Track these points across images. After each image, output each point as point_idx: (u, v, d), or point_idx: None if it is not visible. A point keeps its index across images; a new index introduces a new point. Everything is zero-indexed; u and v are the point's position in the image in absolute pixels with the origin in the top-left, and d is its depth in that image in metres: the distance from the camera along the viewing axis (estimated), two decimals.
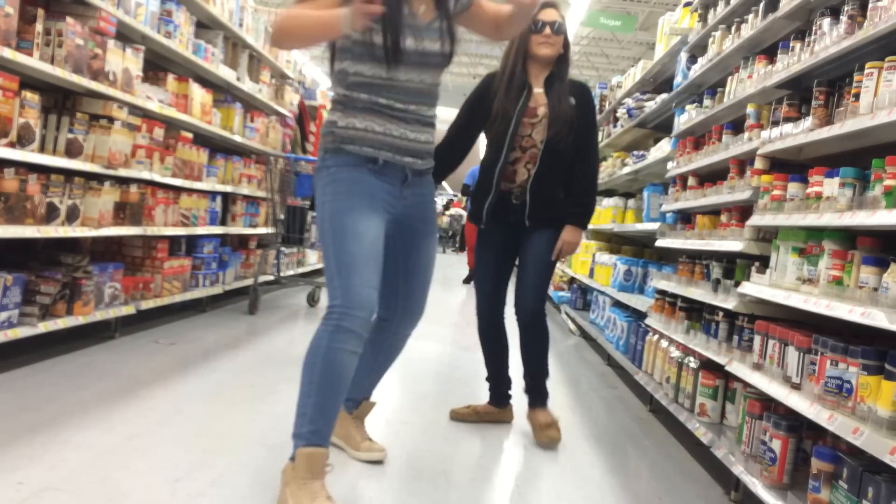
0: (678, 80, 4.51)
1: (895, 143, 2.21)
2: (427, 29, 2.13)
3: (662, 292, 3.73)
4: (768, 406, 2.44)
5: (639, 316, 4.24)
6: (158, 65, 4.54)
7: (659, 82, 5.62)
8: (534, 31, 2.92)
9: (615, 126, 6.47)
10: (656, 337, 3.72)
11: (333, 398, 2.06)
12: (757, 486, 2.28)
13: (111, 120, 3.63)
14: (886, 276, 1.89)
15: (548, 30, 2.92)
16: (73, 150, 3.44)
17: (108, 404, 2.85)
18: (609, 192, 6.29)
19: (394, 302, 2.36)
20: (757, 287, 2.57)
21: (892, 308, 1.80)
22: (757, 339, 2.53)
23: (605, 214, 5.80)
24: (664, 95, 4.95)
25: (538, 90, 2.98)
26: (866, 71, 2.16)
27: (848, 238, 2.18)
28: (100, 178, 3.64)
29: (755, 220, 2.72)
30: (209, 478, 2.22)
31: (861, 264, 2.03)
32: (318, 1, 2.03)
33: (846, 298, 2.02)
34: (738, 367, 2.62)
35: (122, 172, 3.77)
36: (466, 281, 10.11)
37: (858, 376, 1.88)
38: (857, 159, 2.29)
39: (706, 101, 3.90)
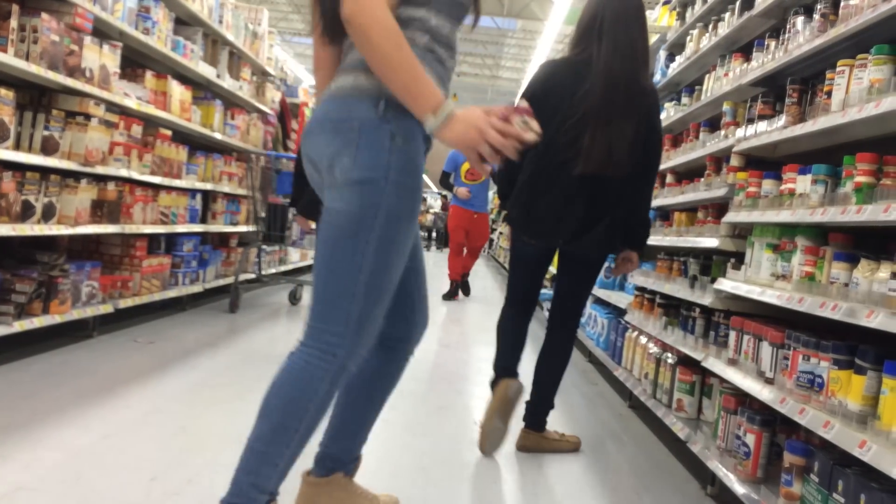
0: (657, 77, 4.53)
1: (866, 140, 2.24)
2: None
3: (641, 289, 3.76)
4: (743, 401, 2.47)
5: (619, 313, 4.26)
6: (137, 61, 4.50)
7: None
8: None
9: None
10: (635, 333, 3.74)
11: (305, 445, 1.67)
12: (732, 480, 2.30)
13: (88, 117, 3.59)
14: (857, 272, 1.91)
15: None
16: (48, 148, 3.41)
17: (84, 403, 2.83)
18: None
19: (411, 317, 1.88)
20: (732, 283, 2.60)
21: (861, 303, 1.82)
22: (732, 335, 2.56)
23: None
24: None
25: None
26: (838, 69, 2.19)
27: (820, 234, 2.20)
28: (76, 175, 3.61)
29: (730, 216, 2.74)
30: (185, 477, 2.21)
31: (833, 260, 2.06)
32: None
33: (818, 294, 2.05)
34: (714, 363, 2.64)
35: (100, 170, 3.73)
36: (447, 297, 7.82)
37: (829, 371, 1.91)
38: (829, 156, 2.32)
39: (684, 99, 3.93)
